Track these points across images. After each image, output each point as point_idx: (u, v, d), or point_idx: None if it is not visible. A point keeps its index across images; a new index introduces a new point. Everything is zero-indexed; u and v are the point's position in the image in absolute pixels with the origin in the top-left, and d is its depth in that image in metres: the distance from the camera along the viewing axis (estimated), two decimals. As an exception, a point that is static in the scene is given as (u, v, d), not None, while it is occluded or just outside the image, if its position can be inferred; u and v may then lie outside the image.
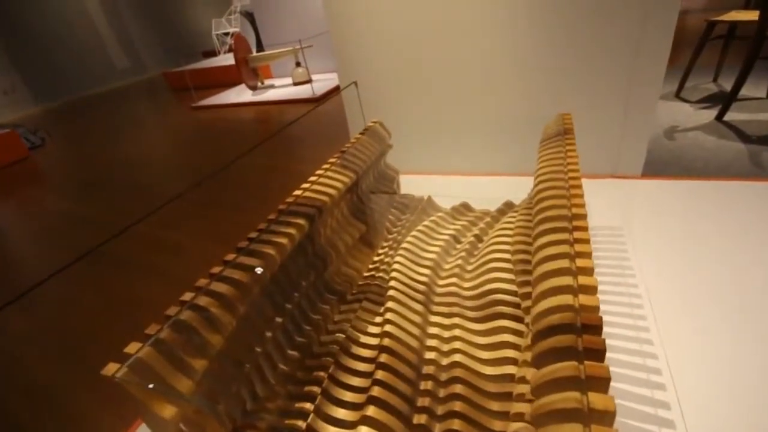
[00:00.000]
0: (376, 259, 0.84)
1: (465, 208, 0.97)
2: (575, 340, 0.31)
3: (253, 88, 3.54)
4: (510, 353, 0.57)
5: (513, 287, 0.64)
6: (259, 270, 0.50)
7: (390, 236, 0.89)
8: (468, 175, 1.21)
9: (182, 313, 0.43)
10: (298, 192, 0.66)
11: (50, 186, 2.25)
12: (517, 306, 0.61)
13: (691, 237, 0.79)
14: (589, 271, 0.38)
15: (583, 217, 0.45)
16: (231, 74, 3.93)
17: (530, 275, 0.60)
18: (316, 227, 0.68)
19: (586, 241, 0.42)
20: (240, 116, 2.99)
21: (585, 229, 0.43)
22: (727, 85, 1.81)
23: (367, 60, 1.20)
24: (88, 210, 1.80)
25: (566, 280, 0.37)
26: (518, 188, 0.95)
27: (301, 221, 0.58)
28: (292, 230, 0.56)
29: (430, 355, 0.59)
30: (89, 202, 1.90)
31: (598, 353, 0.30)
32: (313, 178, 0.70)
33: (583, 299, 0.34)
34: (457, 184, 1.18)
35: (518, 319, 0.60)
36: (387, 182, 1.00)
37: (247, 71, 3.45)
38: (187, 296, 0.47)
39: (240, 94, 3.56)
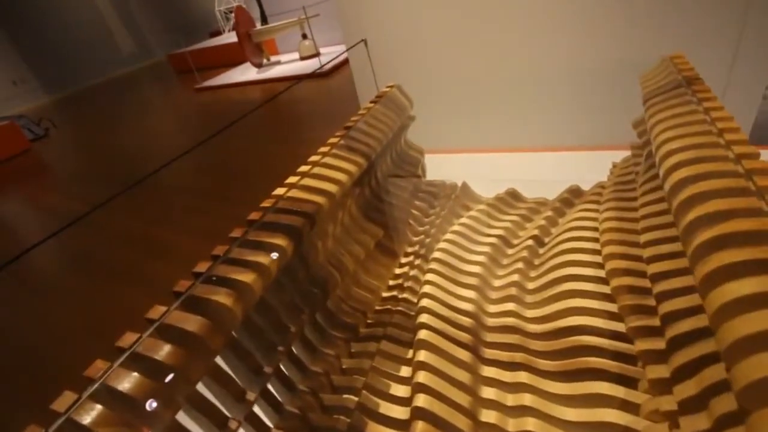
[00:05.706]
0: (398, 272, 0.63)
1: (513, 197, 0.74)
2: None
3: (258, 65, 3.31)
4: (622, 446, 0.35)
5: (611, 326, 0.42)
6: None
7: (416, 239, 0.67)
8: (513, 151, 0.96)
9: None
10: (280, 190, 0.45)
11: (46, 181, 2.13)
12: (623, 359, 0.39)
13: None
14: None
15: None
16: (236, 52, 3.70)
17: (654, 318, 0.38)
18: (311, 241, 0.47)
19: None
20: (244, 96, 2.79)
21: None
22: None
23: (378, 10, 0.95)
24: (81, 207, 1.66)
25: None
26: (584, 167, 0.72)
27: (280, 241, 0.37)
28: (263, 259, 0.35)
29: (489, 441, 0.38)
30: (82, 197, 1.76)
31: None
32: (303, 169, 0.49)
33: None
34: (499, 164, 0.94)
35: (627, 382, 0.38)
36: (409, 166, 0.77)
37: (250, 47, 3.21)
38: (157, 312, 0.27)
39: (244, 73, 3.34)
